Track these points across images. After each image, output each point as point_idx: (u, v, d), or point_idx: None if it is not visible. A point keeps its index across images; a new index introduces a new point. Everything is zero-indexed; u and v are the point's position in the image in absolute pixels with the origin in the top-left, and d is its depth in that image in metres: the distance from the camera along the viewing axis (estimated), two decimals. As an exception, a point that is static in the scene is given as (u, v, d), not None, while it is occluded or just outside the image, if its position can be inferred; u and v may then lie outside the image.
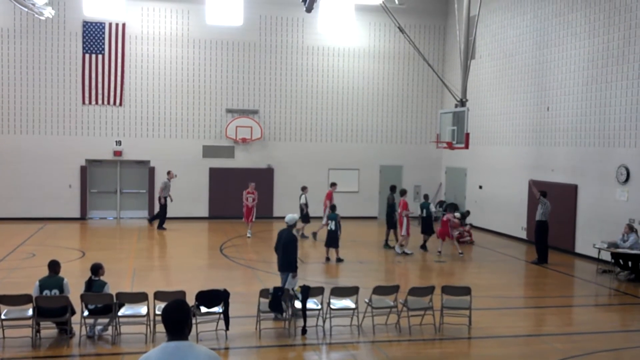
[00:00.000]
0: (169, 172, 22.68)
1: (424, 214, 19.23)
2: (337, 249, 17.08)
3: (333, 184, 21.26)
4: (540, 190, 17.73)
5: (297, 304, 10.70)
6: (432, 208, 19.81)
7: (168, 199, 22.14)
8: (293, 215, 12.14)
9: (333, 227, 17.00)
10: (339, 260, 16.91)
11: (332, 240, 17.07)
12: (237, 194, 21.97)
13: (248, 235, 20.62)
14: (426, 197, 20.65)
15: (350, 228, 21.97)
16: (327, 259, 17.11)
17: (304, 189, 20.81)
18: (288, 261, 11.60)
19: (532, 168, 20.95)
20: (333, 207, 17.76)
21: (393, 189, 20.06)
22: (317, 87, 26.14)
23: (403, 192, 19.12)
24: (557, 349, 10.28)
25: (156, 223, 22.22)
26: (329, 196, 20.43)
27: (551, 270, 16.80)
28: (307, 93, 26.05)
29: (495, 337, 10.88)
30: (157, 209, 22.67)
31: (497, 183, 22.97)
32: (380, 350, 10.18)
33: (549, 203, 17.52)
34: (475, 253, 19.40)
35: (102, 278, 10.36)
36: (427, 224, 19.24)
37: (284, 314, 10.70)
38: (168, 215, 22.27)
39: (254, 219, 20.79)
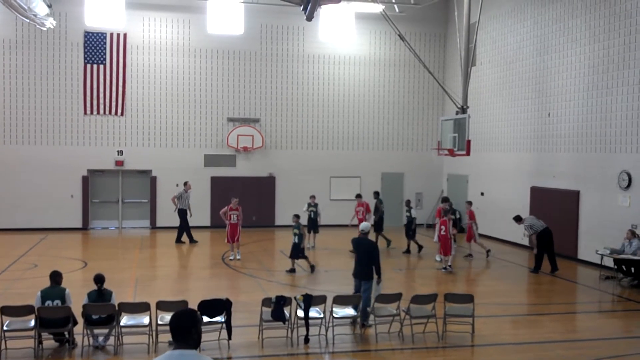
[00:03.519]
0: (185, 183, 21.78)
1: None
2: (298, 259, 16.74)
3: (358, 196, 20.95)
4: (514, 218, 17.81)
5: (300, 313, 10.69)
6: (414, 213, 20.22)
7: (188, 211, 21.33)
8: (367, 223, 12.32)
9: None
10: (292, 270, 16.54)
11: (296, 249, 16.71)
12: (239, 202, 21.74)
13: (237, 257, 18.30)
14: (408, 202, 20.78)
15: (351, 236, 21.90)
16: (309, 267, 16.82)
17: (312, 197, 20.90)
18: (373, 268, 11.48)
19: (533, 174, 20.94)
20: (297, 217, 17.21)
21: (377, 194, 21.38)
22: (318, 95, 26.18)
23: (446, 200, 19.66)
24: (561, 356, 10.25)
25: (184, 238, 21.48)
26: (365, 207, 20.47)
27: (554, 277, 16.75)
28: (308, 101, 26.09)
29: (499, 344, 10.85)
30: (161, 218, 22.41)
31: (499, 190, 22.95)
32: (383, 358, 10.15)
33: (529, 218, 17.50)
34: (477, 260, 19.36)
35: (106, 287, 10.39)
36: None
37: (287, 323, 10.67)
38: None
39: (239, 239, 18.52)
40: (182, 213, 21.39)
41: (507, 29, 22.68)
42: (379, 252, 11.76)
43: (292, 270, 16.53)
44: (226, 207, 18.58)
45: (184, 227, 21.39)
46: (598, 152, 18.09)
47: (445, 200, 19.58)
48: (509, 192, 22.28)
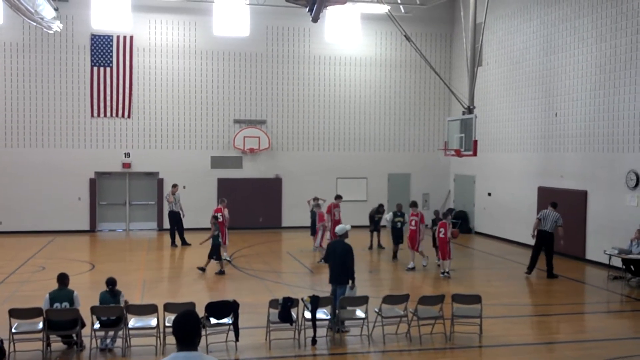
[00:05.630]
0: (174, 186, 21.54)
1: (398, 225, 18.79)
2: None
3: (338, 197, 20.60)
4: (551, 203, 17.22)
5: (307, 314, 10.68)
6: (389, 216, 19.28)
7: (181, 213, 21.24)
8: (342, 226, 12.05)
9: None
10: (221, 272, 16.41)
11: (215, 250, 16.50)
12: (246, 204, 21.74)
13: (227, 258, 17.81)
14: (399, 206, 19.73)
15: (359, 237, 21.91)
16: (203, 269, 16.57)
17: (315, 199, 20.77)
18: (347, 271, 11.32)
19: (541, 175, 20.87)
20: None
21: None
22: (324, 96, 26.19)
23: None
24: (569, 357, 10.22)
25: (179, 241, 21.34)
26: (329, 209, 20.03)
27: (562, 277, 16.69)
28: (314, 102, 26.10)
29: (507, 345, 10.82)
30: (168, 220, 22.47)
31: (506, 190, 22.89)
32: (391, 359, 10.14)
33: (552, 213, 17.06)
34: (484, 261, 19.29)
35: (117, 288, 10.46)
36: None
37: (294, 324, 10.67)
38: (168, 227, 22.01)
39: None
40: (175, 215, 21.26)
41: (513, 29, 22.62)
42: (354, 256, 11.50)
43: (221, 272, 16.36)
44: (221, 206, 18.00)
45: (176, 230, 21.23)
46: (605, 151, 18.02)
47: (413, 205, 18.23)
48: (516, 192, 22.22)
